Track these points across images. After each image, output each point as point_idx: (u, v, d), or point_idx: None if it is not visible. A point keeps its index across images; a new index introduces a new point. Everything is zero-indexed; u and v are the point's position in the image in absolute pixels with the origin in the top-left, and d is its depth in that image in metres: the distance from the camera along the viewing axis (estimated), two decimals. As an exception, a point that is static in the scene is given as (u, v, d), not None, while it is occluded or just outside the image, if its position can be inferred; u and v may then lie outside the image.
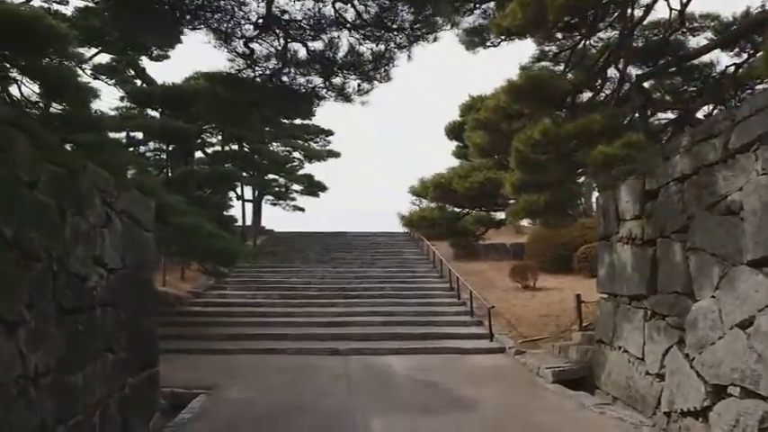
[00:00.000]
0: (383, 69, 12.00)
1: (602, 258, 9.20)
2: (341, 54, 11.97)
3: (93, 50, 26.15)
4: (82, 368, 5.59)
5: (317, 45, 11.88)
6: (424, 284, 19.29)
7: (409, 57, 11.63)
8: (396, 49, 12.04)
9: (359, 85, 12.39)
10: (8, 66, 11.79)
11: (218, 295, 17.80)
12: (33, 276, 4.73)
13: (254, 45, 12.23)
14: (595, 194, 10.73)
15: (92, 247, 5.95)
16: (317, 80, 12.47)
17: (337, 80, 12.47)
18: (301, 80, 12.49)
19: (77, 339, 5.49)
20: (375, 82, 12.35)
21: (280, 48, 11.90)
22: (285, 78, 12.56)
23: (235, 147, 28.79)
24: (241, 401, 7.68)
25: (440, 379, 9.23)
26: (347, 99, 12.55)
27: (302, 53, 12.12)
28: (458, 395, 8.11)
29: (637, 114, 10.17)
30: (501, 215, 12.30)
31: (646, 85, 10.24)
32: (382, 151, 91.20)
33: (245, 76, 12.45)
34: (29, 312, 4.64)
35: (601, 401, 8.06)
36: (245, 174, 30.18)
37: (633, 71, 10.53)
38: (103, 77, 26.59)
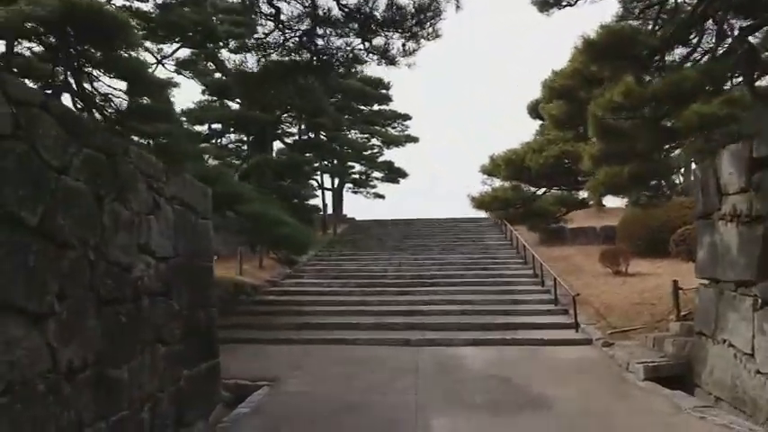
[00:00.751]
0: (429, 25, 10.83)
1: (702, 239, 8.15)
2: (380, 10, 10.83)
3: (175, 45, 26.97)
4: (127, 361, 5.39)
5: (351, 0, 10.78)
6: (505, 271, 18.44)
7: (458, 6, 10.27)
8: None
9: (403, 45, 11.29)
10: (80, 58, 12.04)
11: (294, 284, 17.77)
12: (65, 266, 4.51)
13: (280, 4, 11.33)
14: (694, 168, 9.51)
15: (136, 235, 5.73)
16: (356, 41, 11.46)
17: (379, 40, 11.41)
18: (338, 42, 11.50)
19: (120, 331, 5.28)
20: (422, 40, 11.22)
21: (308, 4, 10.90)
22: (320, 42, 11.63)
23: (316, 136, 28.90)
24: (300, 396, 7.35)
25: (517, 374, 8.54)
26: (391, 62, 11.47)
27: (336, 12, 11.06)
28: (535, 393, 7.40)
29: (739, 75, 8.86)
30: (584, 194, 11.30)
31: (751, 40, 8.89)
32: (461, 133, 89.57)
33: (272, 41, 11.51)
34: (60, 304, 4.43)
35: (701, 403, 7.09)
36: (325, 163, 30.28)
37: (737, 23, 9.17)
38: (185, 72, 27.44)
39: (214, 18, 23.95)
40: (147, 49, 25.11)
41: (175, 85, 28.61)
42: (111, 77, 12.11)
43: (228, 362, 9.53)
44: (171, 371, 6.35)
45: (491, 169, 12.03)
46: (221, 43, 27.42)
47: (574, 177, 11.15)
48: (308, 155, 25.76)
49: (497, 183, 12.37)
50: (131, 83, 11.89)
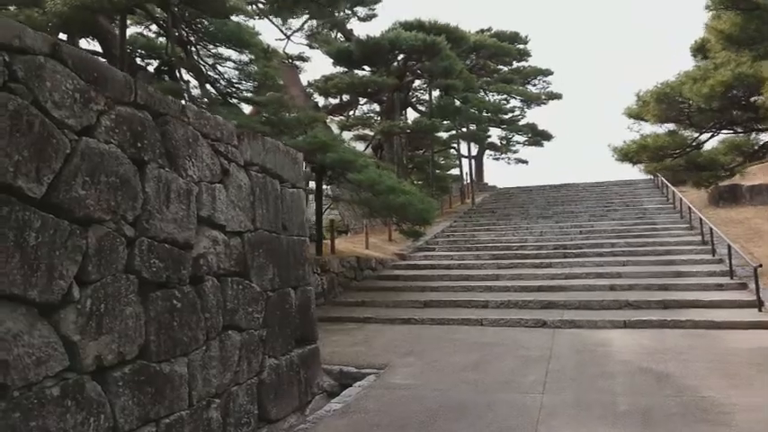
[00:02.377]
0: None
1: None
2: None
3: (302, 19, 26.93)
4: (185, 353, 4.68)
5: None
6: (666, 238, 16.05)
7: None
8: None
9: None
10: (187, 30, 11.84)
11: (423, 257, 16.82)
12: (89, 244, 3.82)
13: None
14: None
15: (195, 207, 4.97)
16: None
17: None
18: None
19: (174, 319, 4.56)
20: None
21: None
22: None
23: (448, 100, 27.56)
24: (403, 390, 6.33)
25: (677, 367, 6.85)
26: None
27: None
28: (702, 397, 5.74)
29: None
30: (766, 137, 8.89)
31: None
32: (610, 86, 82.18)
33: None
34: (82, 290, 3.75)
35: None
36: (463, 129, 28.82)
37: None
38: (315, 45, 27.31)
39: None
40: (274, 24, 25.38)
41: (305, 59, 28.84)
42: (216, 46, 11.83)
43: (338, 345, 8.82)
44: (249, 361, 5.62)
45: (638, 111, 9.87)
46: (349, 12, 27.02)
47: (752, 114, 8.76)
48: (433, 120, 24.53)
49: (647, 129, 10.19)
50: (236, 49, 11.51)
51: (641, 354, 7.55)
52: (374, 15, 29.77)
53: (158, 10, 11.94)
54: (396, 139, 25.02)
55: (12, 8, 10.58)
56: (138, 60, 14.86)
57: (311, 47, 28.48)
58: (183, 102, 5.34)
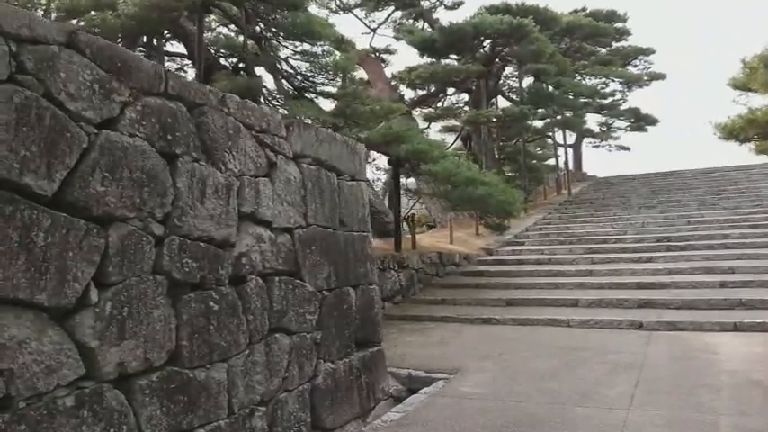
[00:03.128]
0: None
1: None
2: None
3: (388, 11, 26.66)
4: (224, 358, 4.43)
5: None
6: (788, 229, 14.36)
7: None
8: None
9: None
10: (261, 26, 11.79)
11: (511, 252, 16.02)
12: (110, 244, 3.61)
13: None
14: None
15: (235, 202, 4.70)
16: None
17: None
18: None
19: (209, 322, 4.31)
20: None
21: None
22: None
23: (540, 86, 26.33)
24: (471, 401, 5.78)
25: (800, 380, 5.86)
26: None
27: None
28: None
29: None
30: None
31: None
32: (720, 65, 75.29)
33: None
34: (102, 292, 3.54)
35: None
36: (558, 117, 27.42)
37: None
38: (401, 37, 26.91)
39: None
40: (357, 18, 25.25)
41: (392, 52, 28.55)
42: (289, 40, 11.69)
43: (411, 345, 8.41)
44: (301, 365, 5.31)
45: (744, 80, 8.69)
46: (435, 0, 26.45)
47: None
48: (538, 110, 23.35)
49: (756, 102, 8.92)
50: (309, 42, 11.32)
51: (753, 363, 6.57)
52: (461, 3, 29.00)
53: (234, 8, 11.96)
54: (484, 129, 24.20)
55: (92, 13, 10.97)
56: (222, 60, 15.11)
57: (397, 39, 28.14)
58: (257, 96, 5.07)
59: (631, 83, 27.45)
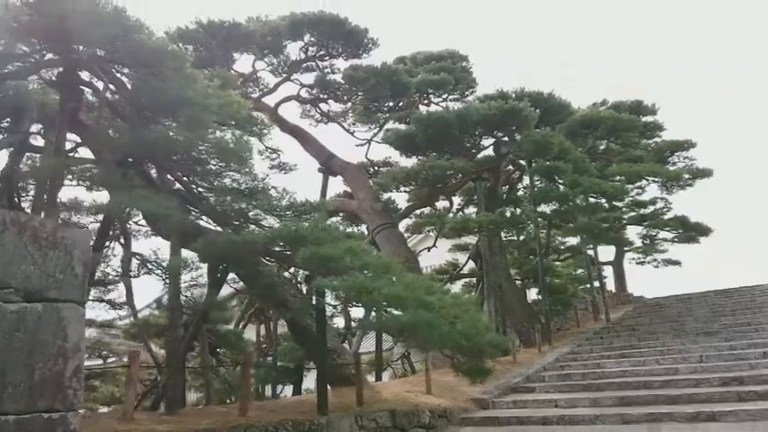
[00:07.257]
0: None
1: None
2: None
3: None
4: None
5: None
6: None
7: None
8: None
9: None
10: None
11: (512, 403, 11.57)
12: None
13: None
14: None
15: None
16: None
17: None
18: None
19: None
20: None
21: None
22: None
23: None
24: None
25: None
26: None
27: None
28: None
29: None
30: None
31: None
32: None
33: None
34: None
35: None
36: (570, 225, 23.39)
37: None
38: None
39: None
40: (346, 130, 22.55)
41: (391, 165, 25.48)
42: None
43: None
44: None
45: None
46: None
47: None
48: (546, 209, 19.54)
49: None
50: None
51: None
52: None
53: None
54: (494, 243, 20.48)
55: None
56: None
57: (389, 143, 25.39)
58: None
59: (670, 181, 23.56)
